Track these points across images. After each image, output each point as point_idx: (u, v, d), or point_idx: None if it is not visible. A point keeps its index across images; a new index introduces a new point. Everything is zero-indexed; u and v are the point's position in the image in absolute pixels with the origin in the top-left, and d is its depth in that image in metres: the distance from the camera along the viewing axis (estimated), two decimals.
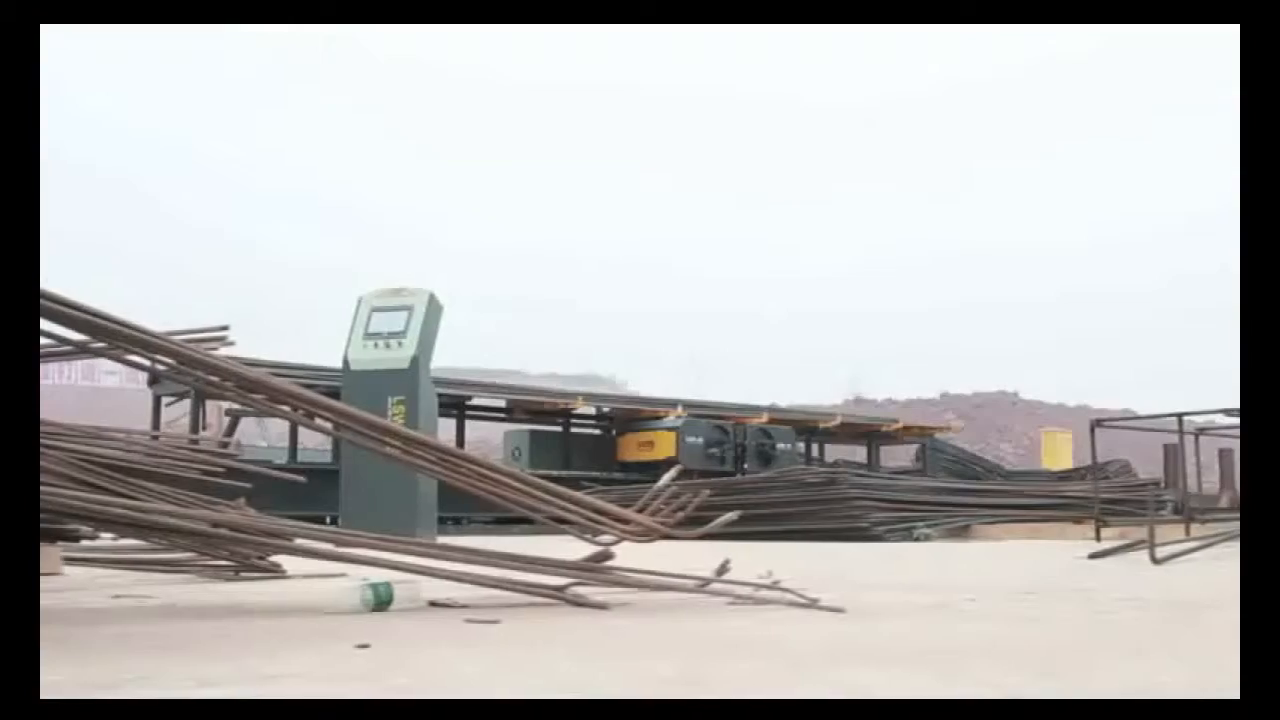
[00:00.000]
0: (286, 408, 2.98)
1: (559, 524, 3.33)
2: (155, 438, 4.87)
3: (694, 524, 3.47)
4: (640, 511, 3.27)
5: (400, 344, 8.14)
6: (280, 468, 11.30)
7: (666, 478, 3.37)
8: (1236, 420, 8.95)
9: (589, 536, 3.37)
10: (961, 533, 10.40)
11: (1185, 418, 11.16)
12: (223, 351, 3.39)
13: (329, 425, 3.07)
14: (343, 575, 3.75)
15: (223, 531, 3.08)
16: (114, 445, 3.31)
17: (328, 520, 9.03)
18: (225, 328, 3.42)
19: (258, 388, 2.79)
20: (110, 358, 2.77)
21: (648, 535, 3.23)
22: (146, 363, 2.75)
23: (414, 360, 8.08)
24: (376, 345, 8.18)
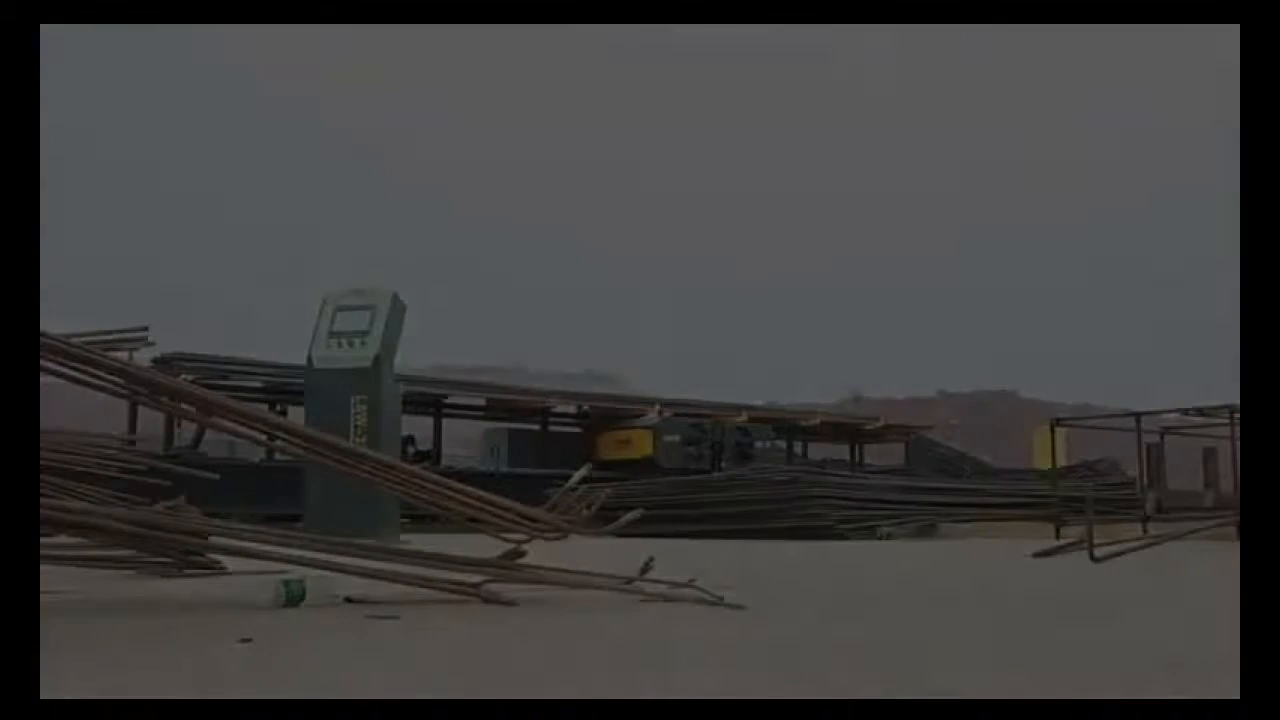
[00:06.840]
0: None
1: (473, 522, 3.39)
2: (135, 441, 4.92)
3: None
4: (551, 510, 3.33)
5: (363, 343, 8.20)
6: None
7: (576, 477, 3.43)
8: (1194, 419, 9.03)
9: (503, 535, 3.44)
10: (928, 531, 10.43)
11: (1160, 416, 11.26)
12: (145, 352, 3.45)
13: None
14: (284, 572, 3.81)
15: (125, 527, 3.13)
16: None
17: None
18: (145, 328, 3.47)
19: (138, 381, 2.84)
20: None
21: (556, 532, 3.30)
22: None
23: (376, 359, 8.14)
24: (340, 344, 8.24)
